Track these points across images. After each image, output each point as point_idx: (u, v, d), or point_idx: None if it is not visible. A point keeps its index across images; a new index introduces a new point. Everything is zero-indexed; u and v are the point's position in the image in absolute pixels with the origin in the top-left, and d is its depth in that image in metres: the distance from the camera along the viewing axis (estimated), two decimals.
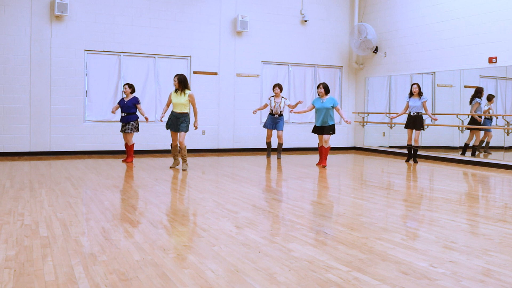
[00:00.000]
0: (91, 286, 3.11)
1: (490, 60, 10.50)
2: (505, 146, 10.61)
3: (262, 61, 13.36)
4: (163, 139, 12.09)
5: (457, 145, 11.64)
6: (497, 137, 10.87)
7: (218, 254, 3.84)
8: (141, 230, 4.60)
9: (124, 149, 11.30)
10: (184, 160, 9.12)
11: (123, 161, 10.27)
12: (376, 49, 13.51)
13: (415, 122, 10.77)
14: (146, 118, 9.92)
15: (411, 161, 11.17)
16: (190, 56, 12.52)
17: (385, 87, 13.85)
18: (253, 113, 11.63)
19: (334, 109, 9.75)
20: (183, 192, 6.98)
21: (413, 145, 10.95)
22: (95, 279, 3.23)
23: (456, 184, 8.35)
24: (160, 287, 3.12)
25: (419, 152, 12.37)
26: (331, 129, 9.73)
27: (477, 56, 10.79)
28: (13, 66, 10.91)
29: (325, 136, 9.76)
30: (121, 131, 10.12)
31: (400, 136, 13.49)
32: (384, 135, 13.76)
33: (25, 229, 4.50)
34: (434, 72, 12.18)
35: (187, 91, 8.85)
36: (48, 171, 8.66)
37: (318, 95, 9.87)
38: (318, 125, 9.82)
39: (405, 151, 12.87)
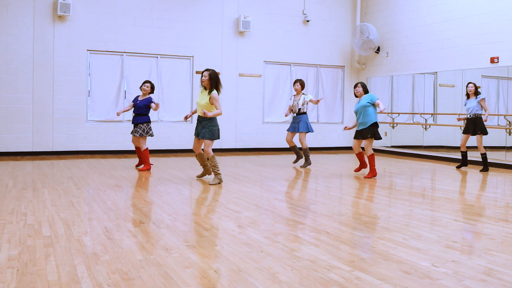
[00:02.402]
0: (93, 285, 3.12)
1: (492, 60, 10.50)
2: (506, 146, 10.60)
3: (265, 61, 13.36)
4: (165, 139, 12.11)
5: (459, 145, 11.60)
6: (498, 137, 10.85)
7: (221, 254, 3.85)
8: (144, 229, 4.62)
9: (136, 153, 9.73)
10: (214, 173, 7.51)
11: (137, 167, 9.19)
12: (378, 49, 13.50)
13: (474, 126, 9.39)
14: (157, 105, 8.72)
15: (463, 168, 10.08)
16: (192, 56, 12.53)
17: (387, 87, 13.85)
18: (286, 115, 10.07)
19: (373, 105, 8.32)
20: (186, 192, 6.99)
21: (481, 152, 9.55)
22: (98, 278, 3.25)
23: (458, 184, 8.35)
24: (163, 287, 3.13)
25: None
26: (369, 132, 8.35)
27: (479, 56, 10.78)
28: (16, 66, 10.93)
29: (364, 142, 8.51)
30: (131, 133, 9.23)
31: (402, 136, 13.50)
32: (386, 135, 13.76)
33: (28, 229, 4.51)
34: (436, 72, 12.18)
35: (213, 92, 7.36)
36: (51, 171, 8.68)
37: (356, 96, 8.65)
38: (357, 129, 8.54)
39: (407, 151, 12.89)
